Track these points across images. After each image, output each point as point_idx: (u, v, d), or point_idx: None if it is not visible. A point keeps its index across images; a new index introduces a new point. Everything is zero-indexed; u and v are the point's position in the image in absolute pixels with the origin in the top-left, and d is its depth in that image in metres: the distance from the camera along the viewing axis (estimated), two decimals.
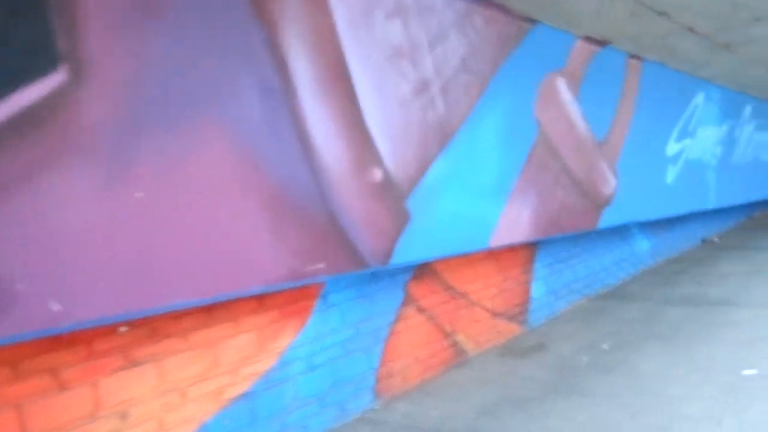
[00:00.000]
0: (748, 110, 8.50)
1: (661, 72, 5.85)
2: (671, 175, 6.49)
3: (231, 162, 2.45)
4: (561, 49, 4.41)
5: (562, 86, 4.38)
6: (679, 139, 6.54)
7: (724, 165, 8.11)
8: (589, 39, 4.58)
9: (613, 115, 5.14)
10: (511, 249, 5.26)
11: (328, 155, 2.82)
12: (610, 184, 5.23)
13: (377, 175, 3.08)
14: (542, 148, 4.31)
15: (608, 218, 5.34)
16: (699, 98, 6.81)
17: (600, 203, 5.14)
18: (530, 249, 5.52)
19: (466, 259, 4.81)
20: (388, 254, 3.26)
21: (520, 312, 5.30)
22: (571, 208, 4.74)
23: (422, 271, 4.38)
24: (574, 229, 4.83)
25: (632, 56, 5.27)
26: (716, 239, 9.41)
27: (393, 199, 3.19)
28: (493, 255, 5.07)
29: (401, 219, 3.28)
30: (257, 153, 2.56)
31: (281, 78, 2.58)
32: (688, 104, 6.61)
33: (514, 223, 4.16)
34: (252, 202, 2.58)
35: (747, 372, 3.83)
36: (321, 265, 2.96)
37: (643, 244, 7.53)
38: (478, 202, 3.83)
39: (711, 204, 7.78)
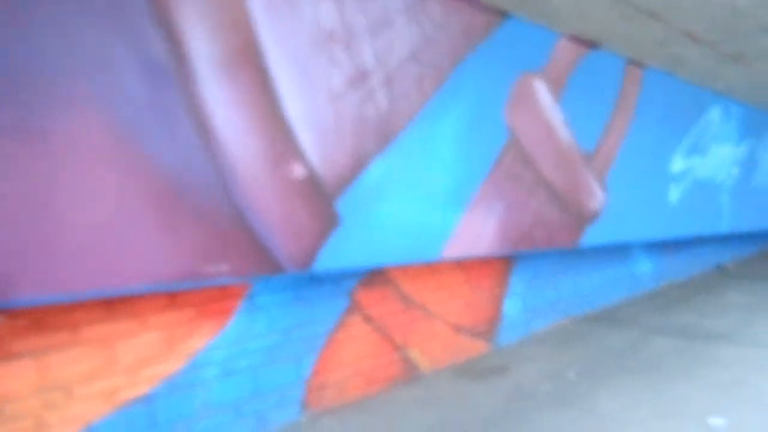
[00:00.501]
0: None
1: (666, 82, 5.38)
2: (675, 193, 6.01)
3: (106, 145, 2.19)
4: (540, 47, 4.03)
5: (540, 89, 4.01)
6: (687, 155, 6.05)
7: (742, 187, 7.54)
8: (576, 39, 4.18)
9: (605, 124, 4.72)
10: (484, 261, 4.91)
11: (234, 146, 2.54)
12: (596, 198, 4.82)
13: (297, 171, 2.79)
14: (513, 156, 3.95)
15: (594, 236, 4.93)
16: (713, 113, 6.29)
17: (584, 219, 4.74)
18: (506, 262, 5.15)
19: (430, 268, 4.49)
20: (310, 259, 2.97)
21: (488, 329, 4.95)
22: (547, 222, 4.36)
23: (374, 277, 4.08)
24: (549, 245, 4.45)
25: (632, 62, 4.84)
26: (731, 266, 8.82)
27: (318, 198, 2.90)
28: (462, 266, 4.73)
29: (328, 221, 2.99)
30: (140, 138, 2.29)
31: (174, 56, 2.31)
32: (699, 119, 6.11)
33: (475, 234, 3.82)
34: (133, 193, 2.32)
35: (713, 421, 3.42)
36: (223, 267, 2.69)
37: (644, 266, 7.05)
38: (430, 209, 3.50)
39: (724, 228, 7.24)
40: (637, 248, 6.89)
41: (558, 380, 4.15)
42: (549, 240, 4.43)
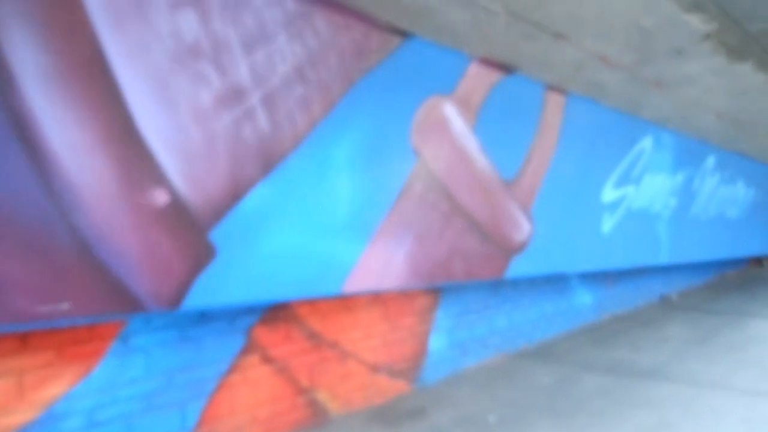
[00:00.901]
0: (710, 161, 7.93)
1: (592, 109, 5.30)
2: (609, 223, 5.89)
3: None
4: (449, 70, 3.87)
5: (450, 113, 3.83)
6: (619, 185, 5.96)
7: (681, 218, 7.51)
8: (488, 62, 4.04)
9: (526, 152, 4.57)
10: (405, 295, 4.66)
11: (76, 169, 2.25)
12: (522, 229, 4.64)
13: (158, 197, 2.51)
14: (424, 184, 3.74)
15: (521, 267, 4.74)
16: (646, 142, 6.25)
17: (509, 250, 4.54)
18: (432, 296, 4.91)
19: (344, 304, 4.21)
20: (179, 295, 2.67)
21: (410, 367, 4.66)
22: (466, 253, 4.14)
23: (277, 314, 3.78)
24: (470, 277, 4.23)
25: (552, 88, 4.73)
26: (676, 298, 8.76)
27: (185, 228, 2.61)
28: (381, 301, 4.47)
29: (200, 254, 2.70)
30: None
31: None
32: (631, 148, 6.05)
33: (382, 266, 3.57)
34: None
35: None
36: (64, 306, 2.37)
37: (584, 298, 6.89)
38: (326, 240, 3.25)
39: (663, 259, 7.16)
40: (576, 280, 6.74)
41: (476, 425, 3.88)
42: (469, 272, 4.20)
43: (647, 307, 8.14)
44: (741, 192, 9.29)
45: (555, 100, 4.82)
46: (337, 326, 4.15)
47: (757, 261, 12.58)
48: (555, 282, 6.38)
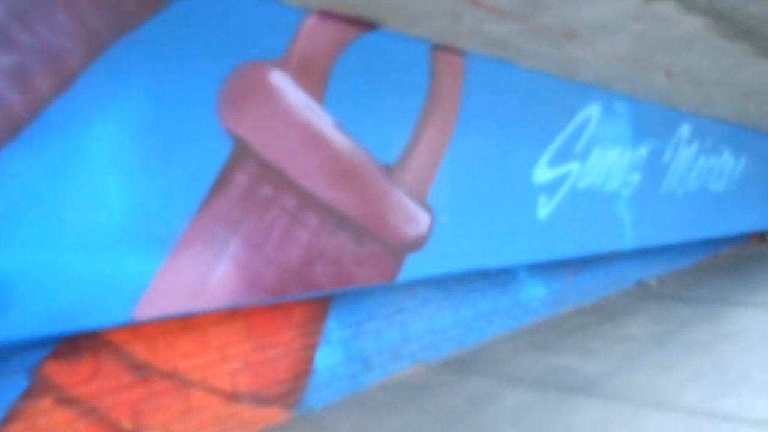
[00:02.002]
0: (684, 130, 6.98)
1: (507, 73, 4.44)
2: (546, 208, 5.04)
3: None
4: (271, 27, 3.06)
5: (282, 83, 3.03)
6: (557, 162, 5.10)
7: (649, 196, 6.60)
8: (331, 16, 3.22)
9: (411, 128, 3.76)
10: (276, 307, 3.90)
11: None
12: (416, 221, 3.84)
13: None
14: (250, 175, 2.96)
15: (421, 266, 3.95)
16: (591, 111, 5.36)
17: (400, 247, 3.75)
18: (319, 304, 4.14)
19: (184, 322, 3.47)
20: None
21: (287, 392, 3.92)
22: (335, 257, 3.37)
23: (77, 344, 3.05)
24: (341, 284, 3.46)
25: (443, 48, 3.88)
26: (654, 283, 7.86)
27: None
28: (241, 315, 3.72)
29: None
30: None
31: None
32: (571, 118, 5.17)
33: (193, 282, 2.82)
34: None
35: None
36: None
37: (534, 291, 6.06)
38: (95, 255, 2.50)
39: (628, 243, 6.28)
40: (525, 271, 5.91)
41: None
42: (340, 278, 3.43)
43: (618, 296, 7.27)
44: (729, 162, 8.32)
45: (448, 62, 3.97)
46: (173, 351, 3.41)
47: (760, 236, 11.54)
48: (495, 275, 5.57)
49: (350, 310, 4.38)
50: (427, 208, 3.96)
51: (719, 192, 8.28)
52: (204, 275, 2.89)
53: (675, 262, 8.93)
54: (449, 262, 4.28)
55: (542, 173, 4.94)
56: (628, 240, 6.31)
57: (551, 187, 5.09)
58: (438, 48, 3.90)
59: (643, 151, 6.29)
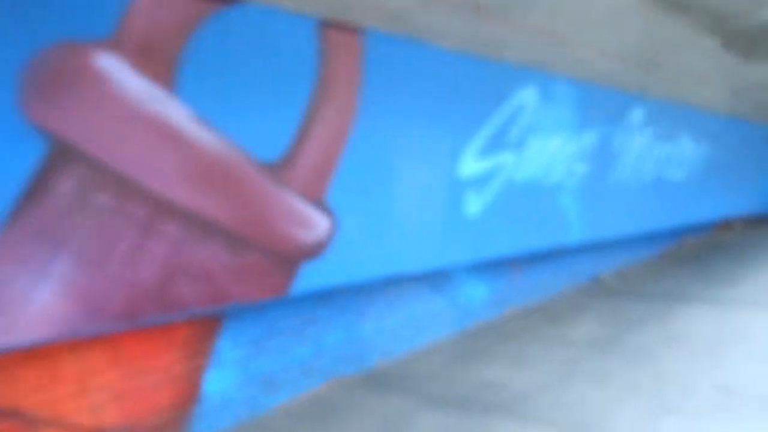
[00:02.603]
0: (636, 115, 6.56)
1: (419, 54, 3.95)
2: (475, 203, 4.59)
3: None
4: (96, 1, 2.53)
5: (113, 68, 2.51)
6: (486, 154, 4.64)
7: (597, 187, 6.19)
8: None
9: (298, 120, 3.26)
10: (155, 329, 3.40)
11: None
12: (311, 225, 3.36)
13: None
14: (78, 179, 2.44)
15: (321, 275, 3.48)
16: (525, 96, 4.90)
17: (292, 256, 3.27)
18: (206, 321, 3.65)
19: (30, 353, 2.96)
20: None
21: (169, 422, 3.44)
22: (202, 270, 2.87)
23: None
24: (212, 303, 2.98)
25: (334, 25, 3.38)
26: (611, 279, 7.48)
27: None
28: (104, 340, 3.21)
29: None
30: None
31: None
32: (501, 104, 4.70)
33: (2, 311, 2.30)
34: None
35: None
36: None
37: (474, 292, 5.63)
38: None
39: (573, 237, 5.87)
40: (462, 271, 5.46)
41: None
42: (213, 295, 2.95)
43: (570, 293, 6.87)
44: (688, 149, 7.93)
45: (341, 42, 3.47)
46: (14, 386, 2.90)
47: (725, 224, 11.24)
48: (426, 277, 5.11)
49: (248, 325, 3.89)
50: (326, 209, 3.47)
51: (679, 180, 7.90)
52: (20, 301, 2.39)
53: (635, 253, 8.56)
54: (359, 268, 3.80)
55: (469, 166, 4.47)
56: (574, 234, 5.89)
57: (481, 181, 4.63)
58: (327, 25, 3.39)
59: (589, 138, 5.85)
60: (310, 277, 3.51)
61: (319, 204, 3.46)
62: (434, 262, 4.34)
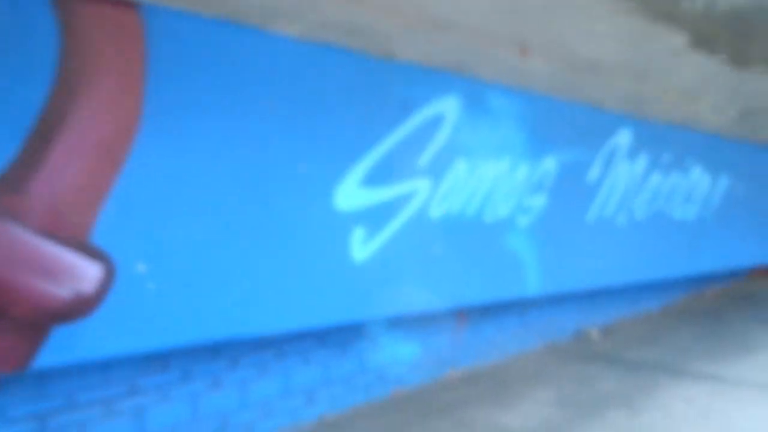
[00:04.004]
0: (623, 138, 5.33)
1: (255, 43, 2.94)
2: (367, 246, 3.51)
3: None
4: None
5: None
6: (382, 181, 3.57)
7: (566, 225, 4.98)
8: None
9: (27, 124, 2.29)
10: None
11: None
12: (67, 274, 2.38)
13: None
14: None
15: (98, 340, 2.50)
16: (442, 106, 3.80)
17: (25, 317, 2.28)
18: None
19: None
20: None
21: None
22: None
23: None
24: None
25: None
26: (597, 334, 6.17)
27: None
28: None
29: None
30: None
31: None
32: (404, 117, 3.63)
33: None
34: None
35: None
36: None
37: (399, 350, 4.51)
38: None
39: (532, 289, 4.67)
40: (381, 325, 4.36)
41: None
42: None
43: (536, 353, 5.61)
44: (702, 182, 6.58)
45: (102, 18, 2.49)
46: None
47: (763, 272, 9.62)
48: (328, 334, 4.05)
49: (28, 397, 2.91)
50: (92, 251, 2.48)
51: (690, 218, 6.54)
52: None
53: (637, 304, 7.18)
54: (161, 331, 2.79)
55: (353, 196, 3.41)
56: (531, 284, 4.69)
57: (376, 216, 3.55)
58: None
59: (550, 165, 4.67)
60: (71, 345, 2.50)
61: (79, 244, 2.46)
62: (289, 323, 3.27)
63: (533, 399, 4.36)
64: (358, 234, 3.48)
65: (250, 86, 2.92)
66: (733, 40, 2.99)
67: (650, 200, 5.88)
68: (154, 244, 2.73)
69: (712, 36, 2.91)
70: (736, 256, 7.60)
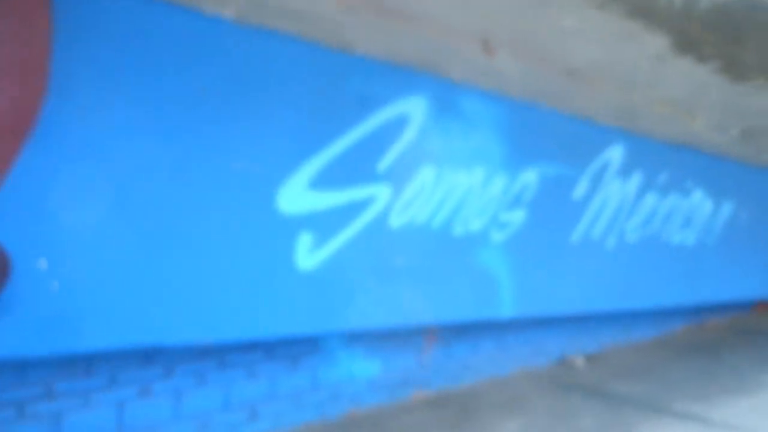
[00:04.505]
0: (614, 154, 5.00)
1: (183, 22, 2.69)
2: (315, 253, 3.22)
3: None
4: None
5: None
6: (335, 183, 3.28)
7: (547, 244, 4.65)
8: None
9: None
10: None
11: None
12: None
13: None
14: None
15: (19, 340, 2.27)
16: (407, 107, 3.52)
17: None
18: None
19: None
20: None
21: None
22: None
23: None
24: None
25: None
26: (581, 362, 5.80)
27: None
28: None
29: None
30: None
31: None
32: (362, 116, 3.35)
33: None
34: None
35: None
36: None
37: (358, 368, 4.20)
38: None
39: (506, 311, 4.35)
40: (338, 339, 4.07)
41: None
42: None
43: (514, 378, 5.26)
44: (703, 206, 6.20)
45: None
46: None
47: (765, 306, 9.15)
48: (276, 347, 3.76)
49: None
50: None
51: (690, 244, 6.17)
52: None
53: (630, 332, 6.80)
54: (73, 333, 2.52)
55: (300, 199, 3.13)
56: (507, 305, 4.37)
57: (327, 222, 3.27)
58: None
59: (530, 178, 4.36)
60: None
61: None
62: (236, 330, 2.99)
63: (499, 430, 4.02)
64: (304, 240, 3.19)
65: (178, 70, 2.67)
66: (723, 45, 2.68)
67: (644, 223, 5.53)
68: (59, 240, 2.47)
69: (696, 38, 2.60)
70: (740, 287, 7.18)
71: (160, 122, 2.63)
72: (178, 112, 2.67)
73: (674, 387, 5.15)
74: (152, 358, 3.36)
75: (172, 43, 2.64)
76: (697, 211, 6.12)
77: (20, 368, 2.91)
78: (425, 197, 3.71)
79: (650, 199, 5.47)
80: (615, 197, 5.11)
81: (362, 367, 4.28)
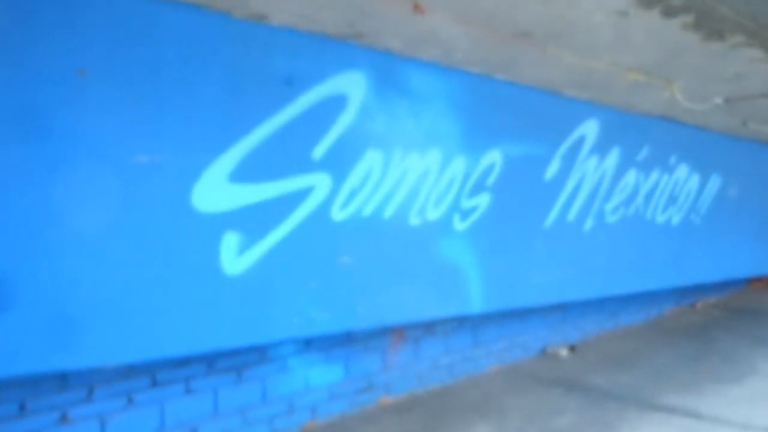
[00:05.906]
0: (589, 130, 4.62)
1: None
2: (243, 256, 2.84)
3: None
4: None
5: None
6: (261, 175, 2.90)
7: (519, 231, 4.29)
8: None
9: None
10: None
11: None
12: None
13: None
14: None
15: None
16: (344, 85, 3.13)
17: None
18: None
19: None
20: None
21: None
22: None
23: None
24: None
25: None
26: (564, 353, 5.46)
27: None
28: None
29: None
30: None
31: None
32: (290, 97, 2.95)
33: None
34: None
35: None
36: None
37: (315, 375, 3.84)
38: None
39: (474, 306, 3.99)
40: (292, 345, 3.71)
41: None
42: None
43: (489, 376, 4.91)
44: (690, 182, 5.84)
45: None
46: None
47: (762, 281, 8.85)
48: (217, 358, 3.40)
49: None
50: None
51: (674, 225, 5.81)
52: None
53: (618, 317, 6.46)
54: None
55: (220, 195, 2.74)
56: (476, 298, 4.00)
57: (255, 220, 2.88)
58: None
59: (495, 159, 3.97)
60: None
61: None
62: (132, 354, 2.61)
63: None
64: (229, 241, 2.81)
65: (60, 45, 2.26)
66: None
67: (626, 202, 5.16)
68: None
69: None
70: (731, 265, 6.84)
71: (42, 105, 2.22)
72: (63, 93, 2.26)
73: (661, 376, 4.82)
74: (69, 381, 2.99)
75: (40, 13, 2.23)
76: (682, 187, 5.75)
77: None
78: (372, 185, 3.33)
79: (631, 177, 5.10)
80: (592, 176, 4.73)
81: (320, 374, 3.92)
